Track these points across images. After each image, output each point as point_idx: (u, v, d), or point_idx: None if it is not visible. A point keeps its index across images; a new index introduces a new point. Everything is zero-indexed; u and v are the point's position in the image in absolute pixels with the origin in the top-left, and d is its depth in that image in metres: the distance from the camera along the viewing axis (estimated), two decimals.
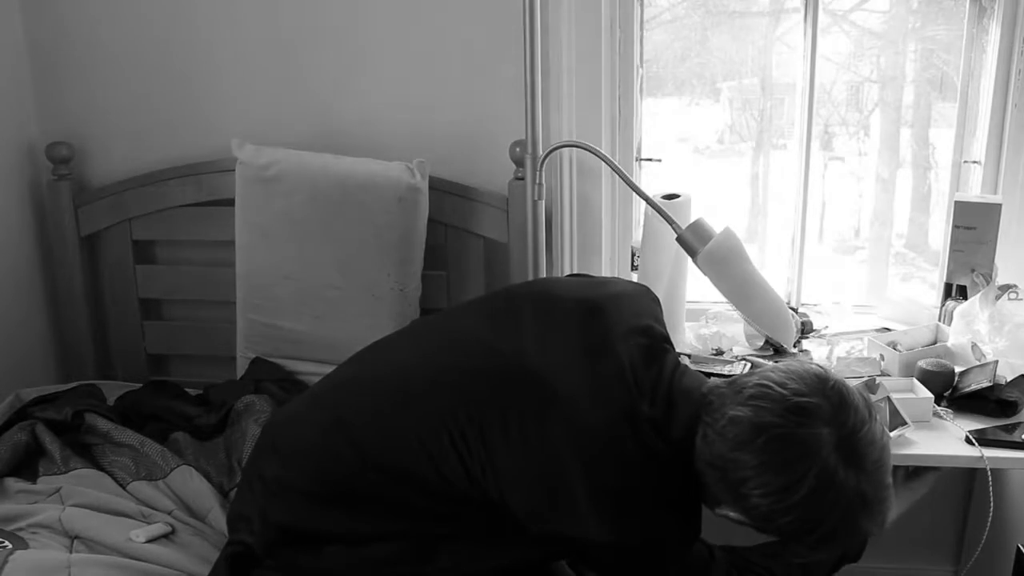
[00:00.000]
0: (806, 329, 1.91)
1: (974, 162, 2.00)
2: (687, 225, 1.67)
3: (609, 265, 2.13)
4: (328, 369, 1.47)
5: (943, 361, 1.66)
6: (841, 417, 1.08)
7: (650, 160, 2.15)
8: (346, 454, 1.20)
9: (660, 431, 1.16)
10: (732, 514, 1.13)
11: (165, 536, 1.50)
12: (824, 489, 1.06)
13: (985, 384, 1.58)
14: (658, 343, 1.27)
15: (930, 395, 1.58)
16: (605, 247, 2.10)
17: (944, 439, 1.51)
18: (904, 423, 1.49)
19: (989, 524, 1.55)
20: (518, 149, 1.95)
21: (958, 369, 1.65)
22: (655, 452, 1.14)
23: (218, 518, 1.55)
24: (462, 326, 1.33)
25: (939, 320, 1.88)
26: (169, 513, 1.56)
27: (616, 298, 1.31)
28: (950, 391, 1.63)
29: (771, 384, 1.10)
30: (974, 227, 1.84)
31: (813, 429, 1.07)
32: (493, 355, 1.22)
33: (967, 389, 1.59)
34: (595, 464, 1.12)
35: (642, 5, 2.05)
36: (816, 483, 1.05)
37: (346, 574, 1.19)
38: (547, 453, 1.13)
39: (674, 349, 1.31)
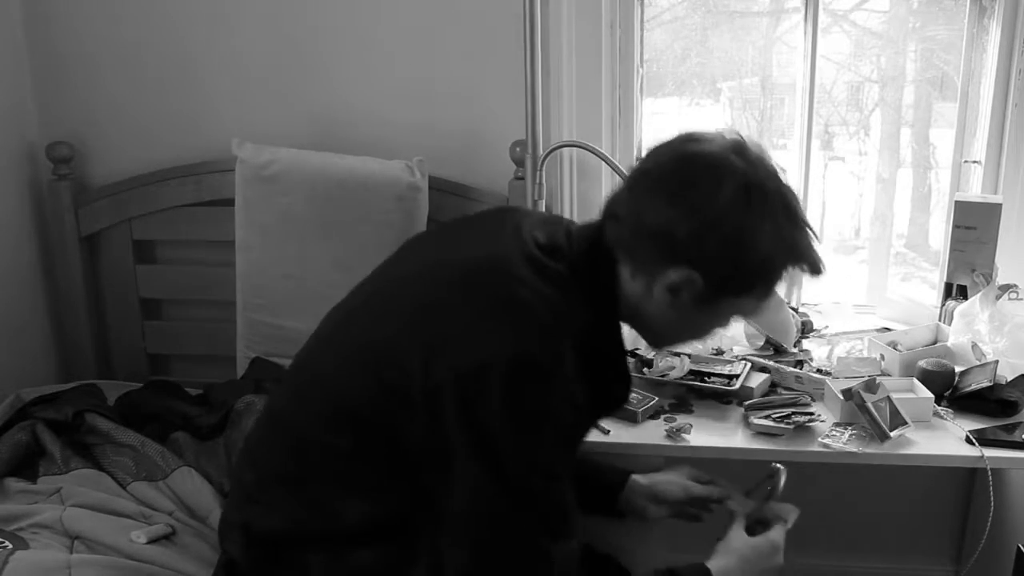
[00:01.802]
0: (806, 329, 1.91)
1: (974, 162, 2.00)
2: None
3: None
4: None
5: (943, 361, 1.66)
6: (731, 136, 1.11)
7: None
8: (296, 432, 1.20)
9: (556, 254, 1.12)
10: (673, 276, 1.08)
11: (166, 537, 1.50)
12: (743, 191, 1.05)
13: (985, 384, 1.58)
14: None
15: (930, 395, 1.58)
16: None
17: (944, 439, 1.51)
18: (904, 423, 1.49)
19: (989, 524, 1.55)
20: (518, 149, 1.94)
21: (958, 369, 1.65)
22: (550, 270, 1.10)
23: (218, 520, 1.55)
24: (370, 277, 1.32)
25: (939, 320, 1.88)
26: (170, 514, 1.56)
27: None
28: (950, 391, 1.63)
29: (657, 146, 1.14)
30: (974, 227, 1.84)
31: (710, 142, 1.09)
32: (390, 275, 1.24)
33: (967, 389, 1.59)
34: (482, 283, 1.08)
35: (642, 5, 2.05)
36: (733, 185, 1.05)
37: None
38: (436, 292, 1.11)
39: None
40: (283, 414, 1.24)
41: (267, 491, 1.21)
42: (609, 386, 1.21)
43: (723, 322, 1.20)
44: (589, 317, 1.11)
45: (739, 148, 1.08)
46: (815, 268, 1.12)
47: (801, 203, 1.13)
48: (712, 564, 1.21)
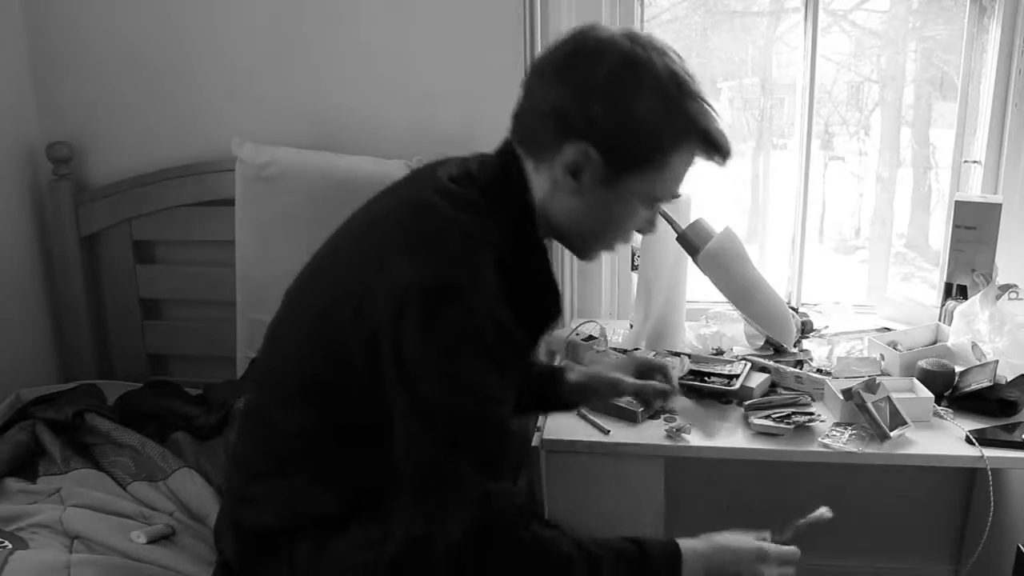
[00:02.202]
0: (806, 329, 1.91)
1: (974, 162, 2.00)
2: (687, 224, 1.67)
3: (609, 265, 2.13)
4: None
5: (943, 361, 1.66)
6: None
7: None
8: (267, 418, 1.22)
9: (466, 180, 1.16)
10: (569, 154, 1.09)
11: (165, 537, 1.50)
12: (627, 63, 1.06)
13: (985, 384, 1.58)
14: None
15: (930, 395, 1.58)
16: None
17: (944, 439, 1.51)
18: (904, 423, 1.49)
19: (989, 524, 1.55)
20: None
21: (958, 369, 1.65)
22: (458, 196, 1.12)
23: None
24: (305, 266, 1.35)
25: (939, 320, 1.88)
26: (170, 515, 1.56)
27: None
28: (950, 391, 1.63)
29: None
30: (974, 227, 1.84)
31: (599, 29, 1.10)
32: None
33: (967, 389, 1.59)
34: (395, 227, 1.12)
35: (642, 5, 2.05)
36: (617, 58, 1.06)
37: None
38: (355, 254, 1.16)
39: None
40: (254, 410, 1.27)
41: (251, 488, 1.22)
42: (539, 302, 1.21)
43: (634, 211, 1.18)
44: (505, 233, 1.12)
45: (629, 33, 1.10)
46: (711, 141, 1.12)
47: (698, 81, 1.12)
48: (683, 540, 1.15)
